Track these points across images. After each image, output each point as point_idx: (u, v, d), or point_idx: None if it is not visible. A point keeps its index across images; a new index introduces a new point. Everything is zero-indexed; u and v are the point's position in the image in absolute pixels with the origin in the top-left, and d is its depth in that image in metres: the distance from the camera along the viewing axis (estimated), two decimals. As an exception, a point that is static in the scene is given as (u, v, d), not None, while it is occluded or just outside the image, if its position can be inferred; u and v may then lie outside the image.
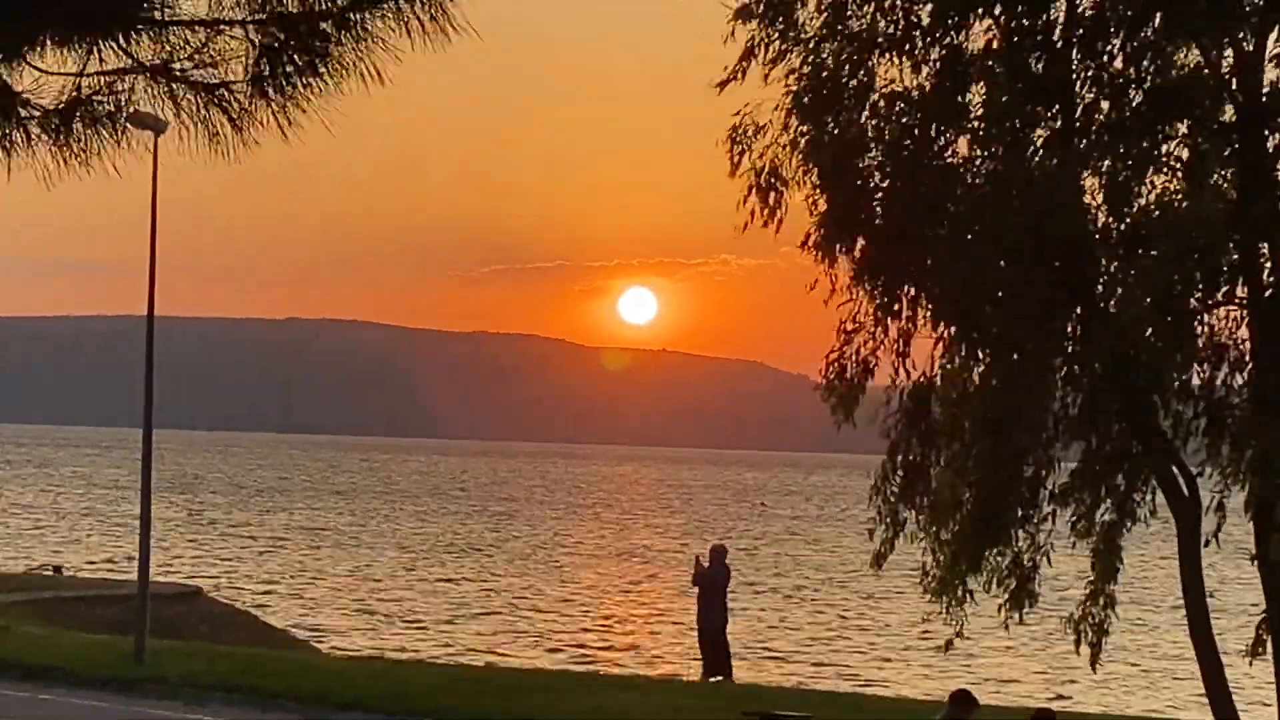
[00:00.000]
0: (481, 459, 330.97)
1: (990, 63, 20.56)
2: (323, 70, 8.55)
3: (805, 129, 20.71)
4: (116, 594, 42.11)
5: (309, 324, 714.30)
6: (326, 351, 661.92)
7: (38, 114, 8.89)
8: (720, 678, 34.95)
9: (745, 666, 44.74)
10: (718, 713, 28.28)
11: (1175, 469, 21.13)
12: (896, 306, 21.00)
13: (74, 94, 8.81)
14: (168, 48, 8.61)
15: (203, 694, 30.21)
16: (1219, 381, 20.98)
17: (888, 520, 21.43)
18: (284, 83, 8.60)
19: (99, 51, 8.66)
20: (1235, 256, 20.68)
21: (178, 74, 8.67)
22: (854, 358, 21.20)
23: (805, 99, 20.67)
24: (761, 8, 20.71)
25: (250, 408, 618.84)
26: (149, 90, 8.74)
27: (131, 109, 8.92)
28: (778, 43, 20.67)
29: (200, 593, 47.41)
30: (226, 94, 8.68)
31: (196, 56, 8.60)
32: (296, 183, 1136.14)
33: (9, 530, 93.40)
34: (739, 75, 20.87)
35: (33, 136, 8.90)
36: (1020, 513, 21.21)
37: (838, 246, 20.80)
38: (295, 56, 8.55)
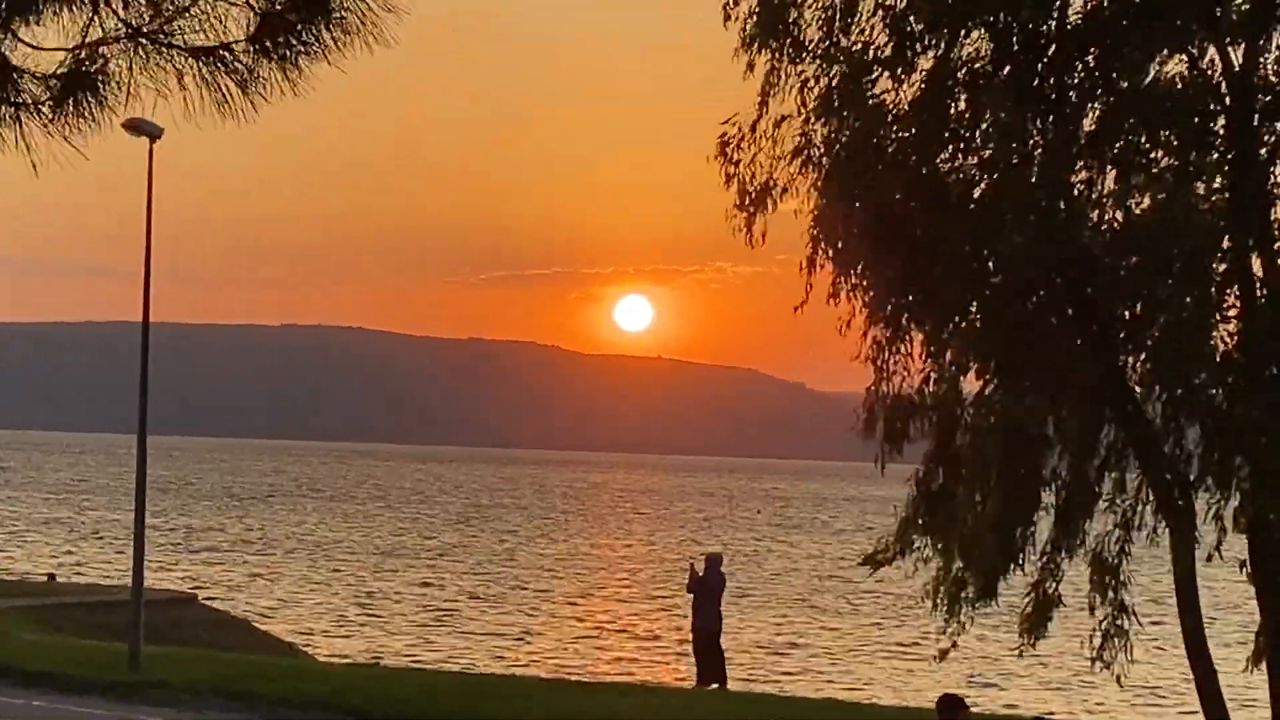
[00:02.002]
0: (478, 465, 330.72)
1: (980, 73, 20.61)
2: (322, 29, 8.60)
3: (799, 140, 20.76)
4: (111, 599, 42.14)
5: (306, 330, 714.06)
6: (323, 358, 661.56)
7: (35, 85, 8.87)
8: (715, 685, 35.00)
9: (740, 673, 44.78)
10: (714, 719, 28.32)
11: (1171, 478, 21.14)
12: (883, 313, 21.00)
13: (73, 64, 8.80)
14: (165, 14, 8.62)
15: (198, 700, 30.23)
16: (1215, 390, 20.98)
17: (909, 548, 21.41)
18: (285, 41, 8.64)
19: (99, 19, 8.66)
20: (1227, 265, 20.72)
21: (178, 41, 8.67)
22: (888, 392, 21.12)
23: (810, 121, 20.71)
24: (766, 32, 20.66)
25: (246, 414, 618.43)
26: (150, 58, 8.73)
27: (129, 78, 8.85)
28: (789, 67, 20.68)
29: (195, 598, 47.50)
30: (229, 55, 8.69)
31: (196, 21, 8.62)
32: (294, 189, 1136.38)
33: (2, 537, 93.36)
34: (763, 109, 20.88)
35: (29, 111, 8.87)
36: (1034, 533, 21.23)
37: (826, 256, 20.81)
38: (294, 17, 8.61)
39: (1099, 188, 20.76)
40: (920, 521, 21.36)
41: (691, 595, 36.11)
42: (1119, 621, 21.22)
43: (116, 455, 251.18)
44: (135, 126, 29.09)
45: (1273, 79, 20.52)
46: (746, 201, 21.00)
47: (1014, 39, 20.57)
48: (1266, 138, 20.67)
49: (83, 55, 8.74)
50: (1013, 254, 20.17)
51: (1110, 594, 21.26)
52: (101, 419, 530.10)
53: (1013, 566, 21.19)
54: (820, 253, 20.74)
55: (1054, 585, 21.34)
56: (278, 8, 8.61)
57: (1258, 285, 20.76)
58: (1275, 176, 20.74)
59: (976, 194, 20.73)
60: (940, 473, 21.36)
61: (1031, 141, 20.67)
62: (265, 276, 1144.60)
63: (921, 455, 21.44)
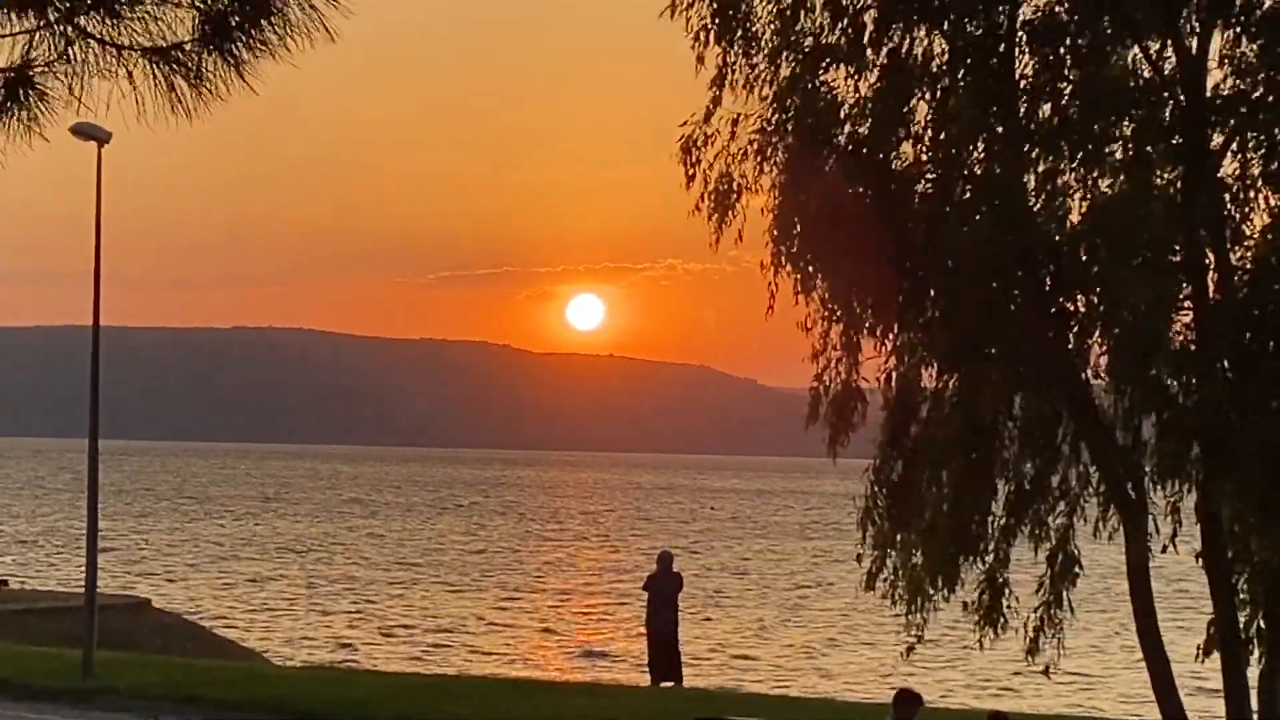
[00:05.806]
0: (430, 466, 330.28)
1: (934, 68, 20.63)
2: (268, 25, 8.60)
3: (756, 137, 20.72)
4: (64, 606, 41.89)
5: (255, 332, 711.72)
6: (274, 360, 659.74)
7: None
8: (671, 683, 34.94)
9: (695, 671, 44.76)
10: (669, 718, 28.28)
11: (1123, 471, 21.18)
12: (839, 310, 20.99)
13: (22, 65, 8.76)
14: (116, 18, 8.60)
15: (154, 705, 30.06)
16: (1173, 381, 21.03)
17: (875, 541, 21.35)
18: (232, 37, 8.65)
19: (49, 22, 8.63)
20: (1181, 255, 20.79)
21: (128, 42, 8.66)
22: (833, 379, 21.08)
23: (765, 115, 20.68)
24: (718, 27, 20.61)
25: (197, 418, 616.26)
26: (100, 60, 8.70)
27: (81, 82, 8.82)
28: (742, 61, 20.63)
29: (148, 604, 47.23)
30: (180, 54, 8.68)
31: (145, 22, 8.61)
32: (243, 192, 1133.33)
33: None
34: (715, 103, 20.82)
35: None
36: (990, 525, 21.22)
37: (788, 255, 20.76)
38: (239, 13, 8.63)
39: (1057, 180, 20.81)
40: (880, 512, 21.31)
41: (647, 593, 36.05)
42: (1053, 612, 21.26)
43: (62, 459, 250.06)
44: (83, 131, 28.98)
45: (1222, 73, 20.63)
46: (714, 202, 20.89)
47: (968, 35, 20.58)
48: (1217, 130, 20.76)
49: (29, 56, 8.71)
50: (968, 245, 20.17)
51: (1052, 585, 21.29)
52: (49, 424, 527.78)
53: (972, 556, 21.17)
54: (781, 250, 20.68)
55: (1003, 574, 21.34)
56: (220, 7, 8.61)
57: (1210, 275, 20.83)
58: (1226, 168, 20.84)
59: (930, 186, 20.75)
60: (897, 464, 21.33)
61: (988, 135, 20.69)
62: (213, 280, 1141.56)
63: (876, 446, 21.40)
